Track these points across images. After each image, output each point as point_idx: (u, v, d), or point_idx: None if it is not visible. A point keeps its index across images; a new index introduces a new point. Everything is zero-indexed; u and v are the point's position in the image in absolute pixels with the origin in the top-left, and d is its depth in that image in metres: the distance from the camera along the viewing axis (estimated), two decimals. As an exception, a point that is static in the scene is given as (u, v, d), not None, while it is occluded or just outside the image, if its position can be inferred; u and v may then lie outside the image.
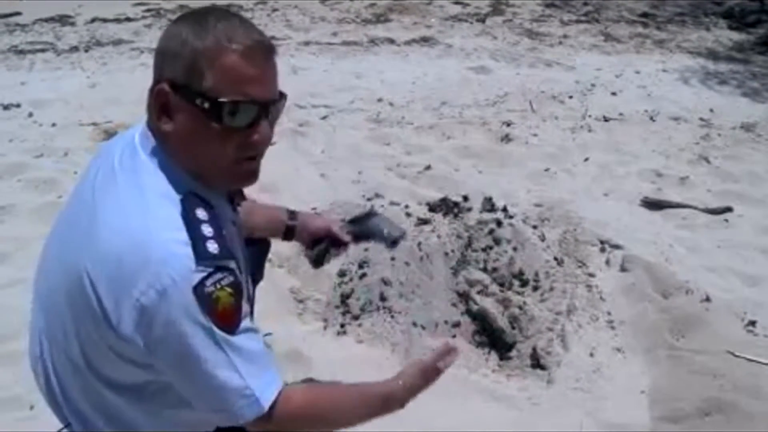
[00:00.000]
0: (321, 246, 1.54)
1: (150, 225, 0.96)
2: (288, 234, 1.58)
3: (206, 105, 0.99)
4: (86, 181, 1.12)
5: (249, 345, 1.01)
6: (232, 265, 1.00)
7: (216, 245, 0.97)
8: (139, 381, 1.07)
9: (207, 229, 0.99)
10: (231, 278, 0.98)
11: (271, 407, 1.02)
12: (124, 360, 1.02)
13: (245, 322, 1.01)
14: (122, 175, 1.04)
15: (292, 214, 1.60)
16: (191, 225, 0.97)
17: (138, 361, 1.02)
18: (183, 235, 0.96)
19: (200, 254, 0.95)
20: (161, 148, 1.05)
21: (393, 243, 1.59)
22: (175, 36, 1.01)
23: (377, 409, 1.21)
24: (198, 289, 0.94)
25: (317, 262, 1.56)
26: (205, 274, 0.95)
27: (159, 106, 1.01)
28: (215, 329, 0.96)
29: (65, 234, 1.10)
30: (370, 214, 1.58)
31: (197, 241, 0.96)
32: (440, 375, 1.28)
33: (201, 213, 1.00)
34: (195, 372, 0.97)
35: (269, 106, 1.05)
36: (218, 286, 0.95)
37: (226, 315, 0.96)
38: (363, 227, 1.56)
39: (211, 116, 0.99)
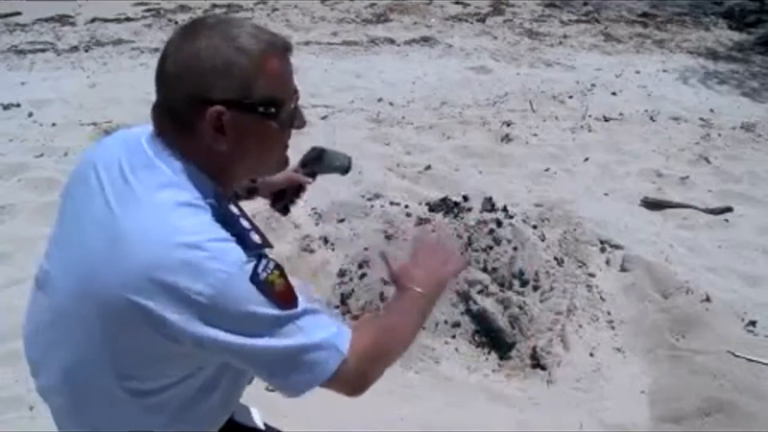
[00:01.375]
0: (286, 199, 1.65)
1: (188, 231, 0.98)
2: (250, 194, 1.62)
3: (271, 109, 1.06)
4: (90, 192, 1.09)
5: (310, 307, 1.06)
6: (268, 251, 1.05)
7: (257, 236, 1.04)
8: (178, 387, 1.08)
9: (245, 223, 1.05)
10: (274, 262, 1.03)
11: (350, 351, 1.07)
12: (177, 364, 1.05)
13: (300, 295, 1.06)
14: (142, 188, 1.03)
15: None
16: (231, 221, 1.03)
17: (189, 365, 1.06)
18: (222, 233, 1.00)
19: (247, 246, 1.01)
20: (186, 158, 1.05)
21: (346, 171, 1.70)
22: (205, 57, 1.02)
23: (423, 319, 1.25)
24: (254, 278, 0.98)
25: (285, 211, 1.68)
26: (254, 263, 0.99)
27: (213, 128, 1.03)
28: (282, 311, 1.01)
29: (82, 252, 1.05)
30: (318, 152, 1.67)
31: (241, 234, 1.02)
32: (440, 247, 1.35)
33: (234, 209, 1.07)
34: (274, 350, 1.01)
35: (299, 94, 1.14)
36: (269, 271, 1.00)
37: (285, 295, 1.02)
38: (317, 166, 1.67)
39: (271, 118, 1.07)
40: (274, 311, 1.00)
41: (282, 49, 1.07)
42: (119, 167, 1.06)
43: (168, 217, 0.99)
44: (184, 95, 1.03)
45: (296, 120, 1.13)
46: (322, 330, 1.05)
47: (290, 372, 1.04)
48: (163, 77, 1.05)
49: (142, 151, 1.06)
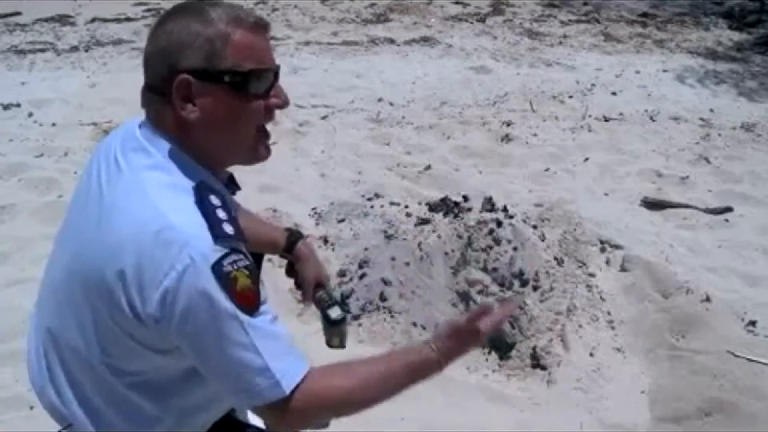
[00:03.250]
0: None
1: (166, 212, 0.99)
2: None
3: (237, 79, 1.06)
4: (90, 179, 1.14)
5: (271, 328, 1.02)
6: (244, 248, 1.04)
7: (231, 227, 1.02)
8: (158, 372, 1.10)
9: (221, 213, 1.03)
10: (246, 261, 1.01)
11: (293, 392, 1.02)
12: (146, 348, 1.05)
13: (266, 306, 1.03)
14: (130, 169, 1.06)
15: (290, 245, 1.56)
16: (206, 209, 1.02)
17: (160, 348, 1.06)
18: (199, 218, 1.00)
19: (217, 235, 0.99)
20: (173, 140, 1.08)
21: (329, 343, 1.54)
22: (175, 31, 1.06)
23: (408, 381, 1.16)
24: (216, 267, 0.97)
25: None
26: (222, 253, 0.98)
27: (182, 97, 1.05)
28: (236, 310, 0.98)
29: (75, 233, 1.11)
30: (333, 317, 1.51)
31: (214, 223, 1.00)
32: (480, 336, 1.18)
33: (214, 199, 1.05)
34: (216, 351, 0.99)
35: (278, 71, 1.13)
36: (235, 267, 0.98)
37: (245, 296, 0.99)
38: (324, 318, 1.53)
39: (238, 88, 1.06)
40: (229, 307, 0.97)
41: (252, 23, 1.08)
42: (114, 153, 1.11)
43: (149, 198, 1.01)
44: (159, 71, 1.06)
45: (275, 98, 1.11)
46: (273, 357, 1.00)
47: (232, 386, 1.02)
48: (144, 60, 1.10)
49: (134, 136, 1.10)
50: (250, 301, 0.99)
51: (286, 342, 1.04)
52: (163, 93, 1.06)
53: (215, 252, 0.97)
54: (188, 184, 1.04)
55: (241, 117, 1.09)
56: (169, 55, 1.05)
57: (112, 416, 1.13)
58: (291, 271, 1.59)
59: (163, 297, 0.97)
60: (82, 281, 1.06)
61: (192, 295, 0.96)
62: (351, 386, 1.09)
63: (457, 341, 1.18)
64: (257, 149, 1.13)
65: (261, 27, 1.09)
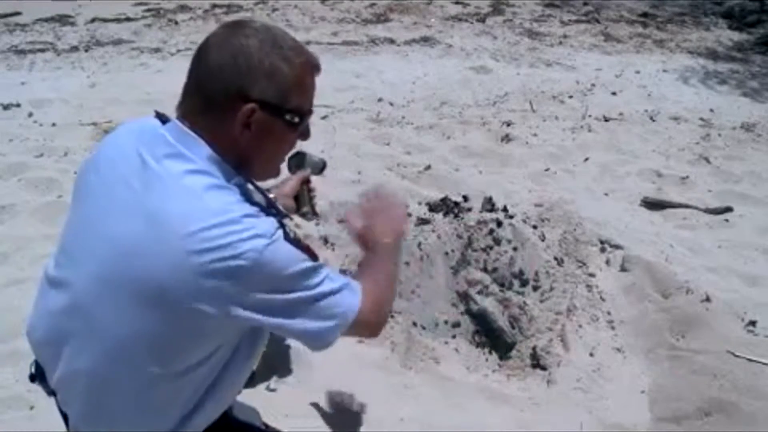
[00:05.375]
0: (305, 199, 1.77)
1: (223, 208, 1.05)
2: None
3: (296, 119, 1.15)
4: (108, 181, 1.12)
5: (324, 264, 1.17)
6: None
7: (279, 206, 1.17)
8: (208, 359, 1.14)
9: (268, 197, 1.18)
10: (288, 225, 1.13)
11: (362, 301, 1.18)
12: (203, 342, 1.11)
13: None
14: (170, 175, 1.08)
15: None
16: (259, 193, 1.15)
17: (217, 335, 1.11)
18: (252, 208, 1.08)
19: (276, 213, 1.12)
20: (211, 145, 1.11)
21: (321, 170, 1.86)
22: (252, 53, 1.09)
23: (396, 268, 1.39)
24: (288, 238, 1.08)
25: (313, 211, 1.79)
26: (282, 226, 1.09)
27: (243, 122, 1.10)
28: (309, 258, 1.11)
29: (108, 245, 1.09)
30: (300, 155, 1.79)
31: (269, 206, 1.14)
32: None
33: (255, 188, 1.17)
34: (309, 298, 1.11)
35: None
36: (292, 229, 1.11)
37: (307, 246, 1.12)
38: (302, 168, 1.79)
39: (293, 126, 1.16)
40: (309, 263, 1.10)
41: (316, 67, 1.17)
42: (140, 157, 1.11)
43: (201, 199, 1.06)
44: (224, 86, 1.09)
45: (305, 132, 1.22)
46: (339, 277, 1.17)
47: (322, 318, 1.13)
48: (204, 65, 1.11)
49: (164, 140, 1.11)
50: (313, 251, 1.13)
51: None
52: (220, 107, 1.10)
53: (279, 228, 1.08)
54: (228, 183, 1.11)
55: (284, 148, 1.20)
56: (242, 77, 1.09)
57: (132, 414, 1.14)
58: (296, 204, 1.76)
59: (249, 284, 1.04)
60: (132, 287, 1.05)
61: (278, 266, 1.06)
62: (380, 283, 1.28)
63: (383, 223, 1.41)
64: (279, 171, 1.25)
65: (319, 71, 1.18)
